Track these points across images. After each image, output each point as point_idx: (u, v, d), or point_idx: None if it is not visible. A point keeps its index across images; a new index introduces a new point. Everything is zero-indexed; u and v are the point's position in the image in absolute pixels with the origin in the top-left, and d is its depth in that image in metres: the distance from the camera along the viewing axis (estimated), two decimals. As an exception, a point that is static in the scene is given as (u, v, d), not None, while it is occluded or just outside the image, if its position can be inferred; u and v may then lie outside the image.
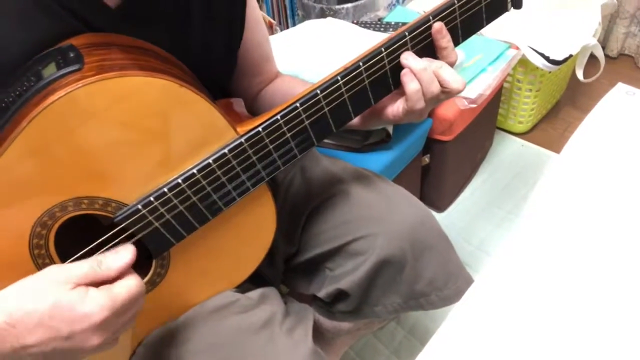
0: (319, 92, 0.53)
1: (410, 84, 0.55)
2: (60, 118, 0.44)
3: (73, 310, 0.42)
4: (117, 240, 0.50)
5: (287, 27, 1.65)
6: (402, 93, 0.57)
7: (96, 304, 0.43)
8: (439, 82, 0.55)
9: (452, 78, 0.55)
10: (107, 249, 0.49)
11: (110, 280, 0.46)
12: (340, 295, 0.74)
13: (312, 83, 0.56)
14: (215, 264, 0.61)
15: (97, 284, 0.45)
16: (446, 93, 0.56)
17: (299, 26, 1.27)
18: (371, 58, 0.54)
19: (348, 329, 0.82)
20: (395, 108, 0.59)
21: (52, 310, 0.42)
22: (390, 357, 1.18)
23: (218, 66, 0.66)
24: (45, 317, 0.41)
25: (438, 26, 0.55)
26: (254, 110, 0.72)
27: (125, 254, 0.47)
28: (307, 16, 1.55)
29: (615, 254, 0.50)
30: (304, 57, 1.11)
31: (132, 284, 0.46)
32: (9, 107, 0.46)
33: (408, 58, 0.55)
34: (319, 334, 0.82)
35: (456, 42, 0.58)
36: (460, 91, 0.56)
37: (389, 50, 0.54)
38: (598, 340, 0.44)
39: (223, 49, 0.65)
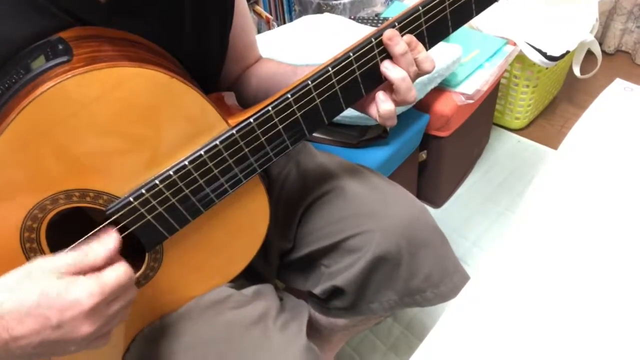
0: (310, 82, 0.53)
1: (393, 72, 0.54)
2: (49, 109, 0.44)
3: (61, 298, 0.42)
4: (101, 226, 0.50)
5: (284, 23, 1.65)
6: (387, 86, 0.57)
7: (85, 290, 0.42)
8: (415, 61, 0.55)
9: (424, 59, 0.55)
10: (90, 236, 0.48)
11: (99, 269, 0.45)
12: (335, 292, 0.73)
13: (291, 64, 0.54)
14: (208, 258, 0.60)
15: (85, 273, 0.44)
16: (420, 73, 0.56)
17: (296, 21, 1.26)
18: (361, 48, 0.54)
19: (344, 325, 0.82)
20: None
21: (40, 298, 0.41)
22: (387, 353, 1.18)
23: (209, 56, 0.66)
24: (33, 306, 0.41)
25: (389, 34, 0.53)
26: (233, 92, 0.72)
27: (109, 240, 0.47)
28: (304, 11, 1.54)
29: (611, 250, 0.50)
30: (301, 52, 1.10)
31: (120, 270, 0.46)
32: (-2, 100, 0.45)
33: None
34: (315, 330, 0.82)
35: (446, 33, 0.57)
36: (429, 72, 0.56)
37: (378, 40, 0.54)
38: (593, 337, 0.44)
39: (214, 38, 0.65)
